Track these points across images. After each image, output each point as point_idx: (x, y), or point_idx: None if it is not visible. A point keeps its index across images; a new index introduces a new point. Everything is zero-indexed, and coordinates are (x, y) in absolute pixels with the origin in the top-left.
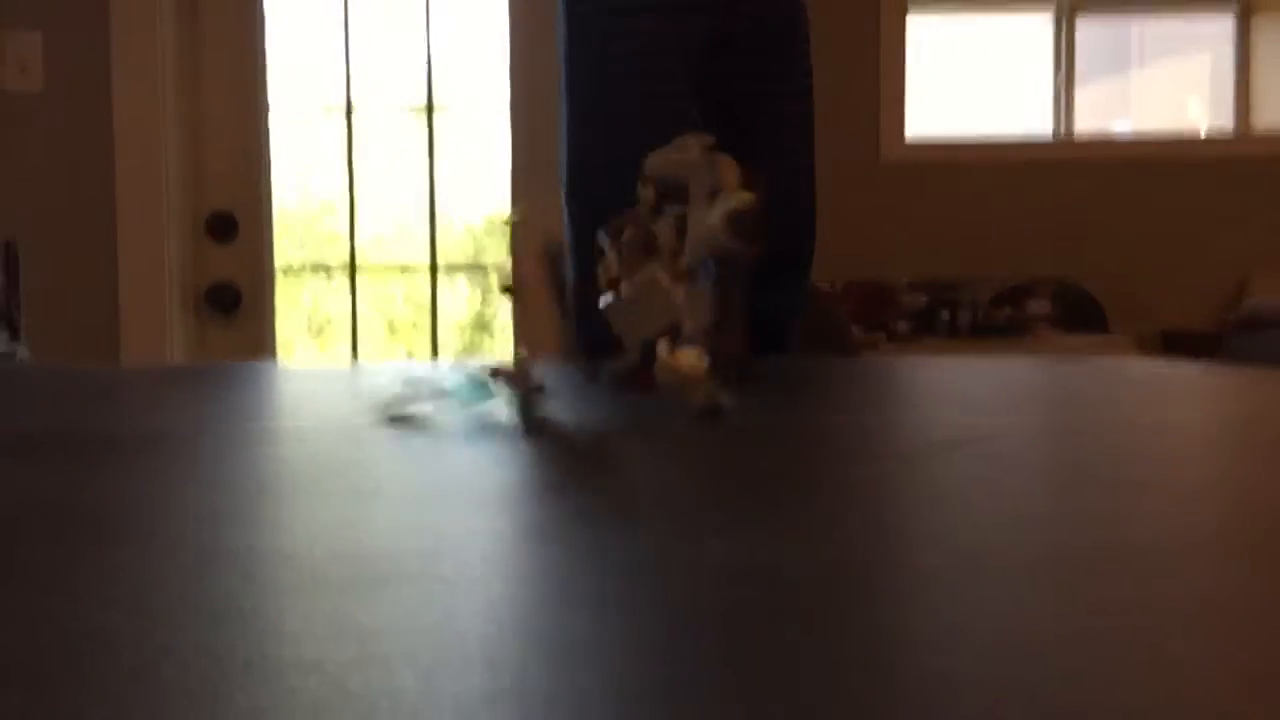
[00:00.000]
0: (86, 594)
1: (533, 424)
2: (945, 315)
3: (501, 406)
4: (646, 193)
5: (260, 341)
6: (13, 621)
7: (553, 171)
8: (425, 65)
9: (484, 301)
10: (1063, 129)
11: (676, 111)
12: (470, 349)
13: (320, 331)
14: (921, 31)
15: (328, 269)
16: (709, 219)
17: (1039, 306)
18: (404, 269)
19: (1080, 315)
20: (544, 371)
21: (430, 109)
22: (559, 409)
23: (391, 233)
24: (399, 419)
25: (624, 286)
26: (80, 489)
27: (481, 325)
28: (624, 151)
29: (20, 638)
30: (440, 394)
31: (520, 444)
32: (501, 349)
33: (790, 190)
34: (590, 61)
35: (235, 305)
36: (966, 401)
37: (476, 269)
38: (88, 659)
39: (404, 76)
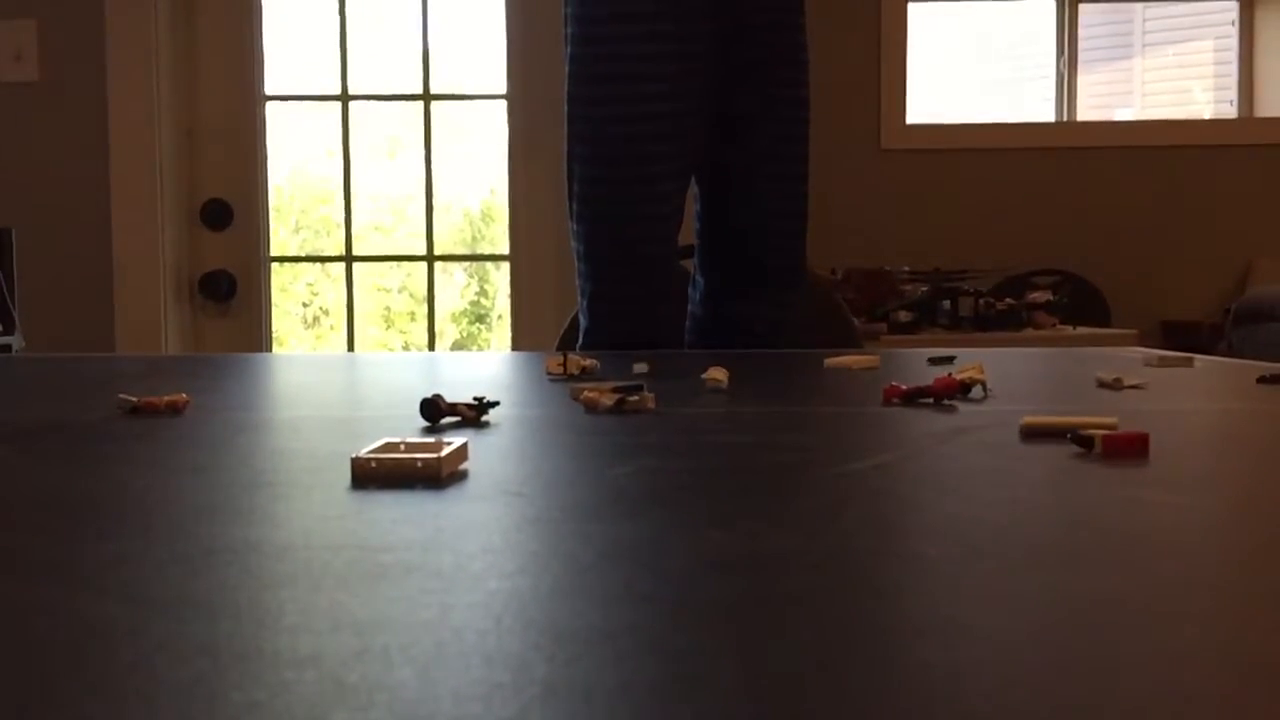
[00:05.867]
0: (84, 585)
1: None
2: (946, 305)
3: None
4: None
5: (255, 331)
6: (11, 612)
7: (551, 158)
8: (421, 52)
9: (481, 291)
10: (1065, 116)
11: (678, 133)
12: (467, 340)
13: (315, 321)
14: (923, 17)
15: (323, 258)
16: None
17: (1041, 297)
18: (400, 258)
19: (1082, 306)
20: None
21: (427, 96)
22: (553, 403)
23: (388, 222)
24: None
25: None
26: (76, 480)
27: (478, 316)
28: (626, 173)
29: (18, 629)
30: None
31: (518, 436)
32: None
33: (788, 209)
34: (594, 78)
35: (230, 294)
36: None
37: (474, 259)
38: (85, 651)
39: (401, 64)
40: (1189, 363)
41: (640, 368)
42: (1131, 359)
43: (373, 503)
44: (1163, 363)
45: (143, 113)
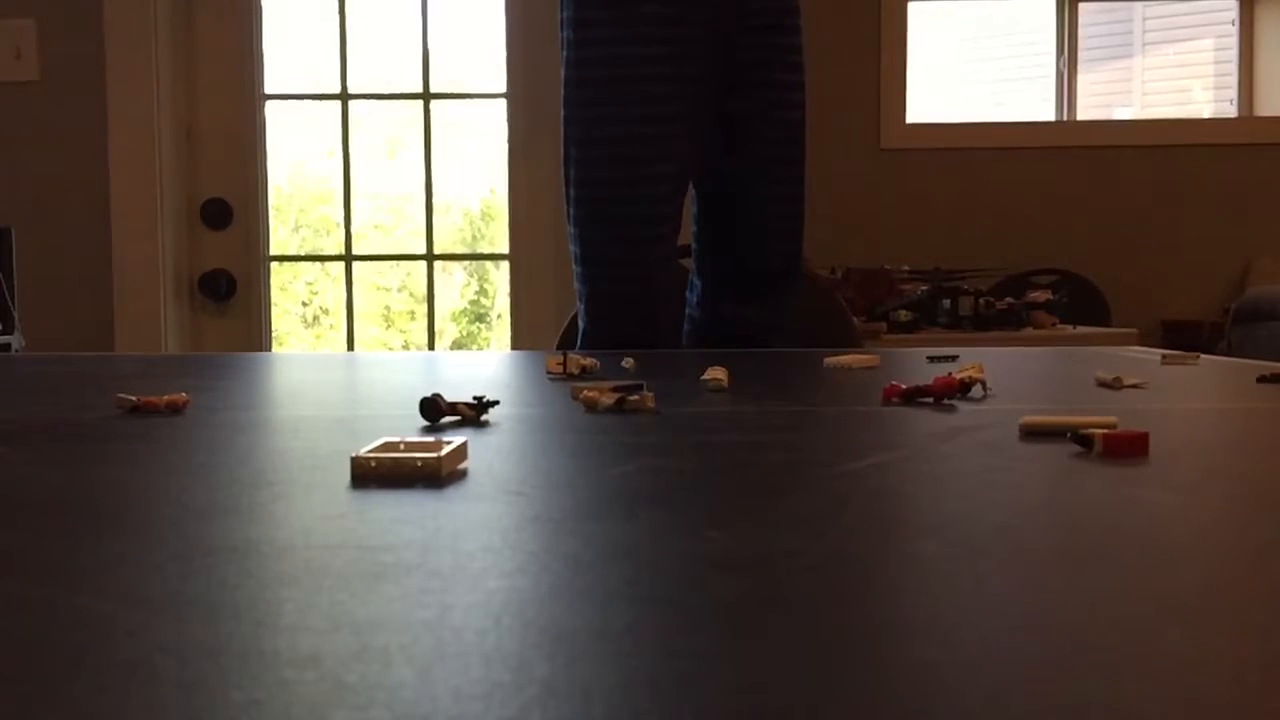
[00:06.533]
0: (84, 585)
1: None
2: (946, 304)
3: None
4: None
5: (255, 330)
6: (11, 612)
7: (551, 158)
8: (421, 51)
9: (480, 291)
10: (1065, 115)
11: (675, 135)
12: (466, 339)
13: (315, 320)
14: (923, 17)
15: (323, 257)
16: None
17: (1040, 296)
18: (400, 257)
19: (1082, 305)
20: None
21: (427, 95)
22: (553, 403)
23: (388, 221)
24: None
25: None
26: (76, 480)
27: (478, 315)
28: (623, 176)
29: (18, 628)
30: None
31: (518, 436)
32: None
33: (785, 212)
34: (591, 82)
35: (230, 293)
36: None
37: (473, 258)
38: (85, 650)
39: (400, 63)
40: (1195, 360)
41: (627, 363)
42: (1137, 358)
43: (373, 502)
44: (1167, 361)
45: (143, 113)
